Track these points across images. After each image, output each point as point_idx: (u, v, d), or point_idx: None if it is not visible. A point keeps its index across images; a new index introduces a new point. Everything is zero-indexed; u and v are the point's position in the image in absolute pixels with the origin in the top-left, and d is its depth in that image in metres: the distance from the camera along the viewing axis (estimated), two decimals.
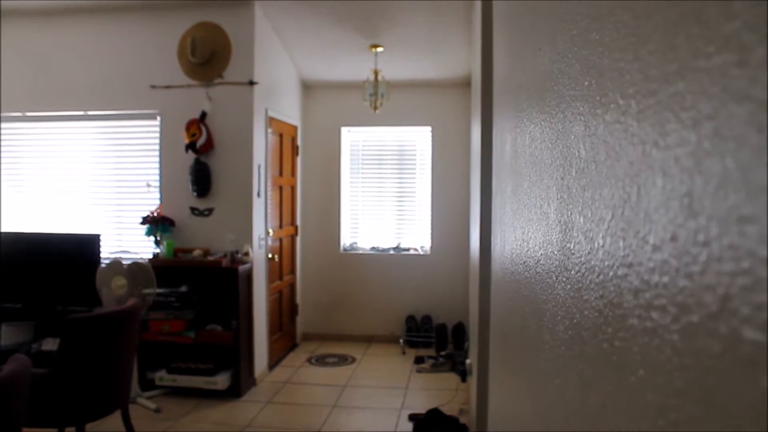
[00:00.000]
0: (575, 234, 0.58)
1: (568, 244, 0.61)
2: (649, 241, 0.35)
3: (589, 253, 0.52)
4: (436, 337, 6.70)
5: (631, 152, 0.39)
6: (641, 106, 0.37)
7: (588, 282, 0.52)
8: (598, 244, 0.48)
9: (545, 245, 0.78)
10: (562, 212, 0.65)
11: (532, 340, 0.92)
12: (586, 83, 0.53)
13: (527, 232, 0.99)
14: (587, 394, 0.53)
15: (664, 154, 0.32)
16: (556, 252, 0.69)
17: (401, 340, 6.81)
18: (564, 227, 0.64)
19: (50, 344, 4.77)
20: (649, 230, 0.35)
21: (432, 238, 7.01)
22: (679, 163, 0.30)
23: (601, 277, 0.47)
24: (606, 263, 0.46)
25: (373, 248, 7.15)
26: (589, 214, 0.52)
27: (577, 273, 0.57)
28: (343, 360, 6.40)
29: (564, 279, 0.63)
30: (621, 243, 0.41)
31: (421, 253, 7.06)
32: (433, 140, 6.96)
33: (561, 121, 0.66)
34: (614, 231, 0.43)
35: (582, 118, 0.55)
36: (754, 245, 0.23)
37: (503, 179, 1.49)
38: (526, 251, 1.00)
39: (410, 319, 6.94)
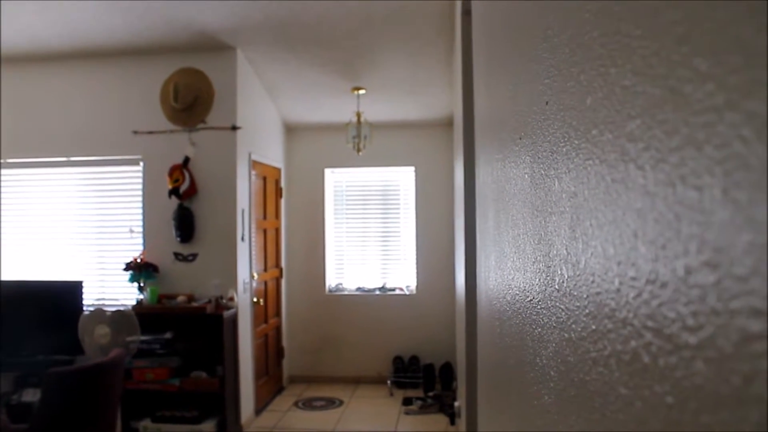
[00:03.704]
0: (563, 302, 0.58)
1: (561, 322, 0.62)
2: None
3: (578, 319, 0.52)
4: (424, 378, 6.66)
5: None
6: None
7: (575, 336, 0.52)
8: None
9: (530, 332, 0.78)
10: (545, 318, 0.66)
11: (519, 383, 0.91)
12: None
13: (513, 311, 0.99)
14: None
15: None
16: (541, 338, 0.70)
17: (389, 381, 6.76)
18: (548, 334, 0.65)
19: (31, 395, 4.69)
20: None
21: (417, 278, 7.00)
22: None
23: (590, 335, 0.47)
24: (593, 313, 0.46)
25: (358, 289, 7.12)
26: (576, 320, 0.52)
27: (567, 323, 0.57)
28: (330, 403, 6.34)
29: (549, 350, 0.64)
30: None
31: (407, 292, 7.04)
32: (416, 180, 7.00)
33: (543, 228, 0.67)
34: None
35: (564, 242, 0.56)
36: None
37: (487, 244, 1.50)
38: (510, 325, 1.00)
39: (397, 359, 6.90)
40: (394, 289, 7.09)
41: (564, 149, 0.55)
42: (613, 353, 0.40)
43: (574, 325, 0.52)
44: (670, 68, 0.29)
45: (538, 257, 0.71)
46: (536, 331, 0.73)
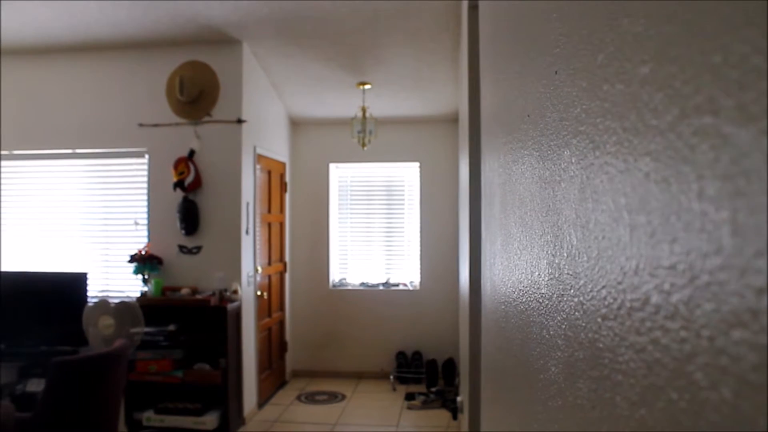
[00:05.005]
0: (567, 299, 0.58)
1: (561, 305, 0.62)
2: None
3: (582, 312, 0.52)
4: (427, 374, 6.66)
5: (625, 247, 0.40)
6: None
7: (580, 330, 0.52)
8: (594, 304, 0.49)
9: (537, 307, 0.78)
10: (553, 288, 0.66)
11: (525, 362, 0.91)
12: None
13: (519, 291, 0.99)
14: None
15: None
16: (549, 309, 0.70)
17: (391, 377, 6.76)
18: (556, 304, 0.65)
19: (35, 385, 4.70)
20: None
21: (421, 274, 7.00)
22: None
23: (590, 321, 0.47)
24: (593, 306, 0.46)
25: (362, 284, 7.12)
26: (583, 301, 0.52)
27: (569, 313, 0.57)
28: (333, 397, 6.34)
29: (556, 320, 0.64)
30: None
31: (411, 288, 7.04)
32: (421, 176, 7.00)
33: (551, 198, 0.67)
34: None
35: (574, 208, 0.56)
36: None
37: (492, 230, 1.49)
38: (516, 304, 1.00)
39: (400, 355, 6.90)
40: (397, 285, 7.09)
41: (574, 113, 0.55)
42: (623, 303, 0.40)
43: (583, 288, 0.52)
44: (685, 3, 0.29)
45: (546, 229, 0.71)
46: (543, 304, 0.73)
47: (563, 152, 0.61)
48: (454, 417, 5.57)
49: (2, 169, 5.81)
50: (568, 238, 0.58)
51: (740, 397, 0.24)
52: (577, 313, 0.55)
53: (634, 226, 0.37)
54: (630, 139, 0.38)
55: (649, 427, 0.35)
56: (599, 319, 0.46)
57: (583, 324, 0.52)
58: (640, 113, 0.36)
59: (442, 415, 5.75)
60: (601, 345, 0.46)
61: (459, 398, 4.20)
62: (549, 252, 0.69)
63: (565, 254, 0.60)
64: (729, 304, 0.24)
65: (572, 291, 0.57)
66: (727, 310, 0.25)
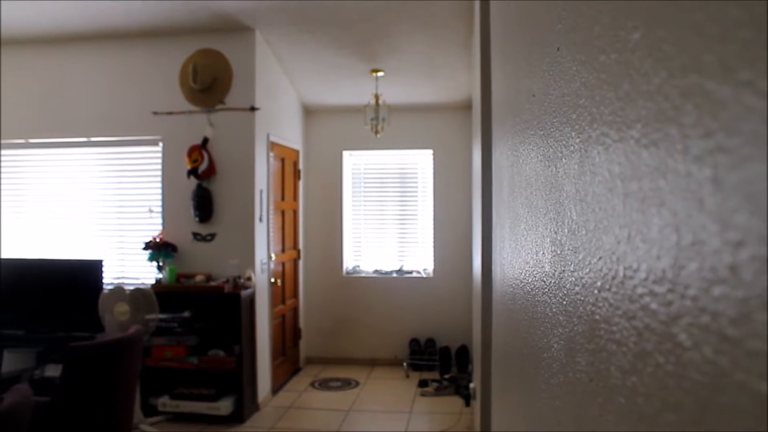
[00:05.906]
0: (568, 282, 0.58)
1: (563, 291, 0.62)
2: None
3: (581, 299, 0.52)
4: (440, 360, 6.67)
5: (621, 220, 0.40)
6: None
7: (580, 319, 0.52)
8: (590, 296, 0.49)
9: (541, 286, 0.78)
10: (556, 265, 0.66)
11: (531, 342, 0.92)
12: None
13: (525, 272, 0.99)
14: (582, 418, 0.53)
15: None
16: (551, 287, 0.70)
17: (405, 364, 6.78)
18: (558, 281, 0.65)
19: (52, 370, 4.76)
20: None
21: (435, 261, 7.00)
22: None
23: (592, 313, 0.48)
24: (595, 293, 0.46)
25: (375, 271, 7.14)
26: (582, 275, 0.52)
27: (570, 301, 0.57)
28: (346, 384, 6.37)
29: (558, 296, 0.64)
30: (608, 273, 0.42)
31: (424, 275, 7.05)
32: (434, 163, 6.98)
33: (554, 176, 0.67)
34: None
35: (574, 182, 0.56)
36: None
37: (502, 214, 1.49)
38: (523, 285, 1.00)
39: (414, 342, 6.92)
40: (411, 272, 7.09)
41: (574, 87, 0.55)
42: (617, 273, 0.40)
43: (582, 261, 0.52)
44: None
45: (549, 207, 0.71)
46: (547, 282, 0.73)
47: (564, 128, 0.61)
48: (467, 404, 5.57)
49: (19, 158, 5.86)
50: (568, 213, 0.58)
51: (719, 354, 0.24)
52: (576, 288, 0.55)
53: (627, 193, 0.37)
54: (623, 107, 0.38)
55: (639, 394, 0.35)
56: (596, 291, 0.46)
57: (582, 297, 0.52)
58: (632, 80, 0.36)
59: (455, 402, 5.76)
60: (597, 317, 0.46)
61: (472, 385, 4.20)
62: (552, 229, 0.69)
63: (566, 230, 0.60)
64: (710, 261, 0.24)
65: (572, 266, 0.57)
66: (709, 267, 0.25)
